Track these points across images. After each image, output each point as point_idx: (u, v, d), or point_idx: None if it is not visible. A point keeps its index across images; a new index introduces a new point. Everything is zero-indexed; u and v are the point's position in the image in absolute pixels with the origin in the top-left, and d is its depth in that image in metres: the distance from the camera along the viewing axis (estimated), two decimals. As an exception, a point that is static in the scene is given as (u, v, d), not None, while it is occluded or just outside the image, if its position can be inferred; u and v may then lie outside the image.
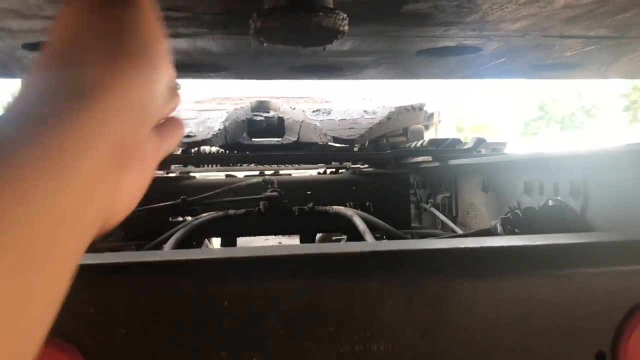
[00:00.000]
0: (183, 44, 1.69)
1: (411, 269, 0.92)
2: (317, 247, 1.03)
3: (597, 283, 0.93)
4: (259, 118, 2.97)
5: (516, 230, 1.64)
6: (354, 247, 0.96)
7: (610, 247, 0.97)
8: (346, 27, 1.08)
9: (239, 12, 1.36)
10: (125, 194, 0.59)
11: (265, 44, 1.10)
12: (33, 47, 1.69)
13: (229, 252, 0.93)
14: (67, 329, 0.81)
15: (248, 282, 0.89)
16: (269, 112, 3.05)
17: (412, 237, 2.64)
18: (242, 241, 3.24)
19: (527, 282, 0.92)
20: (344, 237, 3.15)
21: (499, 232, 1.66)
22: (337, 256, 0.94)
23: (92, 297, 0.83)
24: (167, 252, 1.24)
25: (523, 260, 0.93)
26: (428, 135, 3.94)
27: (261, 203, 2.48)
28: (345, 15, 1.07)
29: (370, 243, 1.68)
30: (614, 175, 1.40)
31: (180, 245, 2.13)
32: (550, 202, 1.65)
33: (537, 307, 0.92)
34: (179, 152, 3.09)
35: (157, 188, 2.68)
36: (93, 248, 1.78)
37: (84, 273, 0.91)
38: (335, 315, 0.92)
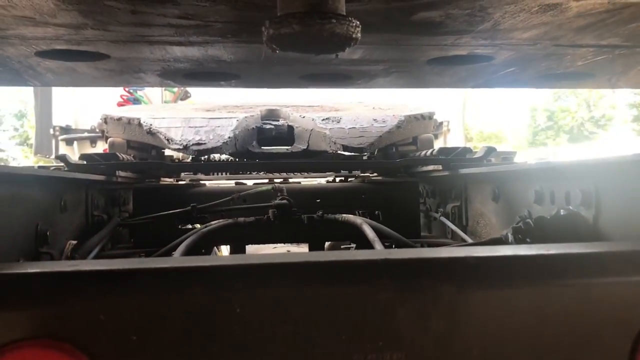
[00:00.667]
0: (194, 52, 1.70)
1: (424, 278, 0.91)
2: (328, 255, 1.03)
3: (612, 293, 0.92)
4: (268, 126, 2.97)
5: (527, 239, 1.62)
6: (366, 255, 0.95)
7: (625, 256, 0.95)
8: (359, 35, 1.08)
9: (250, 20, 1.37)
10: None
11: (277, 51, 1.10)
12: (46, 54, 1.70)
13: (239, 260, 0.92)
14: (77, 335, 0.81)
15: (258, 289, 0.88)
16: (278, 121, 3.05)
17: (422, 246, 2.63)
18: (250, 249, 3.24)
19: (541, 291, 0.91)
20: (353, 245, 3.15)
21: (510, 241, 1.64)
22: (349, 264, 0.93)
23: (103, 304, 0.83)
24: (177, 259, 1.24)
25: (537, 270, 0.92)
26: (437, 144, 3.93)
27: (270, 211, 2.47)
28: (357, 22, 1.07)
29: (382, 251, 1.67)
30: (626, 184, 1.39)
31: (189, 252, 2.13)
32: (562, 211, 1.63)
33: (552, 317, 0.91)
34: (189, 160, 3.10)
35: (167, 195, 2.69)
36: (103, 255, 1.77)
37: (94, 279, 0.92)
38: (347, 324, 0.91)
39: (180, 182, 3.11)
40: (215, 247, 3.71)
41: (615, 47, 1.72)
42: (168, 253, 2.22)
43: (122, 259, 0.94)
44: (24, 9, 1.30)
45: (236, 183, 3.08)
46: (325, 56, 1.26)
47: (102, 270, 0.85)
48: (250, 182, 3.06)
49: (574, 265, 0.94)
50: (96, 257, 1.98)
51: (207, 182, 3.12)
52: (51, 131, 4.92)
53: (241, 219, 2.51)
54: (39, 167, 2.63)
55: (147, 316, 0.84)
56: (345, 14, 1.04)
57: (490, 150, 2.49)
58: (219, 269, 0.88)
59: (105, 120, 3.10)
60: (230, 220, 2.49)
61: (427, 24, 1.47)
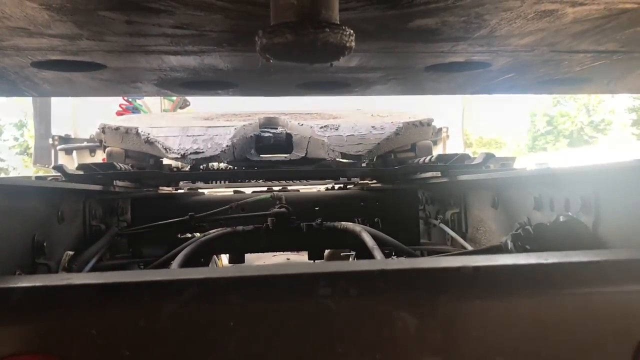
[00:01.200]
0: (191, 61, 1.69)
1: (421, 288, 0.90)
2: (324, 266, 1.01)
3: (613, 303, 0.91)
4: (267, 134, 2.97)
5: (527, 246, 1.61)
6: (363, 265, 0.94)
7: (626, 265, 0.94)
8: (353, 43, 1.07)
9: (246, 29, 1.37)
10: None
11: (271, 61, 1.10)
12: (42, 65, 1.70)
13: (235, 271, 0.91)
14: (68, 350, 0.80)
15: (254, 302, 0.87)
16: (277, 129, 3.05)
17: (422, 254, 2.62)
18: (250, 257, 3.23)
19: (540, 301, 0.90)
20: (353, 253, 3.13)
21: (509, 248, 1.63)
22: (346, 275, 0.92)
23: (94, 318, 0.82)
24: (170, 271, 1.23)
25: (536, 279, 0.91)
26: (436, 151, 3.92)
27: (269, 219, 2.47)
28: (351, 31, 1.06)
29: (379, 261, 1.66)
30: (625, 190, 1.38)
31: (187, 262, 2.12)
32: (561, 218, 1.62)
33: (551, 328, 0.89)
34: (187, 169, 3.09)
35: (165, 205, 2.68)
36: (101, 265, 1.75)
37: (86, 293, 0.91)
38: (343, 336, 0.90)
39: (178, 191, 3.10)
40: (215, 256, 3.70)
41: (612, 53, 1.72)
42: (166, 263, 2.21)
43: (115, 271, 0.93)
44: (18, 20, 1.29)
45: (235, 191, 3.07)
46: (322, 64, 1.25)
47: (94, 283, 0.84)
48: (248, 191, 3.06)
49: (574, 275, 0.93)
50: (94, 267, 1.97)
51: (205, 191, 3.12)
52: (50, 141, 4.92)
53: (240, 228, 2.50)
54: (36, 177, 2.62)
55: (139, 330, 0.83)
56: (339, 22, 1.04)
57: (488, 157, 2.48)
58: (213, 282, 0.87)
59: (103, 129, 3.10)
60: (228, 229, 2.48)
61: (424, 31, 1.46)
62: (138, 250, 2.60)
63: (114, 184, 2.40)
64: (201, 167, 2.95)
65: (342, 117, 3.30)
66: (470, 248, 2.29)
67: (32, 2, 1.18)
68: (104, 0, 1.19)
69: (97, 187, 2.21)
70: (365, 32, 1.40)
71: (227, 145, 2.76)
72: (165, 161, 3.15)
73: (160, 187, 2.99)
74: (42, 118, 5.23)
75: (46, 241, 1.67)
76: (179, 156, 2.72)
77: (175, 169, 3.25)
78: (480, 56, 1.73)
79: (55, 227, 1.85)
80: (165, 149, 2.73)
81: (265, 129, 3.04)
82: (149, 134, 2.81)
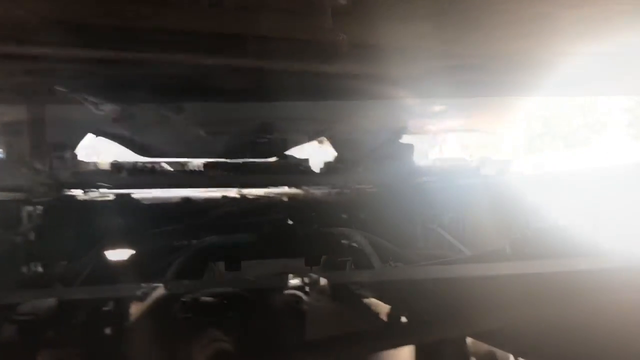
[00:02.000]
0: (182, 67, 1.68)
1: (420, 298, 0.88)
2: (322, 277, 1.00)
3: (616, 309, 0.89)
4: (261, 140, 2.94)
5: (526, 251, 1.59)
6: (359, 276, 0.92)
7: (627, 271, 0.92)
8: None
9: (236, 34, 1.35)
10: None
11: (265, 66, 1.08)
12: (32, 73, 1.68)
13: (228, 284, 0.89)
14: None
15: (247, 314, 0.85)
16: (272, 134, 3.03)
17: (419, 259, 2.59)
18: (246, 264, 3.20)
19: (543, 309, 0.88)
20: (350, 259, 3.11)
21: (509, 253, 1.61)
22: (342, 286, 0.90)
23: (85, 332, 0.80)
24: (162, 284, 1.21)
25: (539, 288, 0.89)
26: (433, 154, 3.91)
27: (265, 226, 2.44)
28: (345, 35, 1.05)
29: (375, 271, 1.64)
30: (625, 192, 1.37)
31: (182, 270, 2.09)
32: (560, 221, 1.61)
33: (557, 336, 0.88)
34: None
35: (160, 212, 2.65)
36: (94, 276, 1.71)
37: (76, 306, 0.88)
38: (339, 345, 0.88)
39: (172, 197, 3.07)
40: (212, 263, 3.67)
41: (609, 54, 1.71)
42: (161, 271, 2.18)
43: (106, 286, 0.92)
44: (7, 28, 1.28)
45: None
46: (315, 70, 1.24)
47: (85, 298, 0.82)
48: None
49: (579, 282, 0.91)
50: (87, 277, 1.95)
51: (201, 197, 3.09)
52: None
53: (236, 234, 2.47)
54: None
55: (127, 344, 0.81)
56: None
57: (485, 160, 2.47)
58: (201, 295, 0.85)
59: (97, 136, 3.07)
60: (224, 236, 2.45)
61: (417, 36, 1.45)
62: (133, 257, 2.57)
63: None
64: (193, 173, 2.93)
65: (338, 121, 3.28)
66: (468, 253, 2.27)
67: (19, 9, 1.17)
68: (92, 7, 1.17)
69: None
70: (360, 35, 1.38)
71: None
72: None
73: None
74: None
75: (38, 252, 1.65)
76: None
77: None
78: (474, 60, 1.72)
79: (50, 237, 1.83)
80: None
81: (260, 134, 3.02)
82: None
